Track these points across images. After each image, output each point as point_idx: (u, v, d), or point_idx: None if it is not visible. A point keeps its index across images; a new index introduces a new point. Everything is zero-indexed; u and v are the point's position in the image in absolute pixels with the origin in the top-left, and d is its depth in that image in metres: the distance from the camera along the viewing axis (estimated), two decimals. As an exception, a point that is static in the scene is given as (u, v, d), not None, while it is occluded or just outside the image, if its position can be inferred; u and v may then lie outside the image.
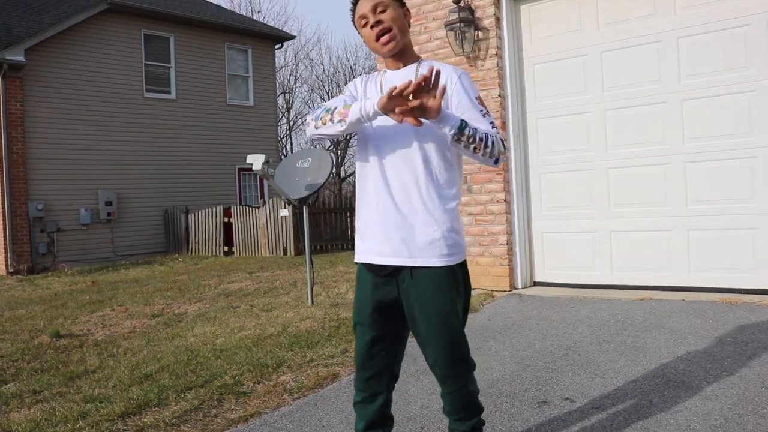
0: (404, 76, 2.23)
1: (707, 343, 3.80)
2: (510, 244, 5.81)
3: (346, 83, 11.98)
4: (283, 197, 9.73)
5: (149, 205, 15.60)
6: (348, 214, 14.40)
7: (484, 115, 2.17)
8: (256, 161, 6.27)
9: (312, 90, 31.16)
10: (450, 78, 2.20)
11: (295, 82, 31.28)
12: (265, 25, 21.04)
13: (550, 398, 3.14)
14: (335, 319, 5.31)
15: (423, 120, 2.02)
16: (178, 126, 16.19)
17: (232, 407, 3.42)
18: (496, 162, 2.16)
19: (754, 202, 4.94)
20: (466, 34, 5.79)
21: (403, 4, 2.30)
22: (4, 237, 13.32)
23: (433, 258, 2.16)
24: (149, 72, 15.80)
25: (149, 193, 15.58)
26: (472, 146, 2.08)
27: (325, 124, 2.23)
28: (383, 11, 2.20)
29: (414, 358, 3.60)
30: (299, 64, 34.62)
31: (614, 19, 5.52)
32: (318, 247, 13.45)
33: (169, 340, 5.28)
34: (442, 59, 6.07)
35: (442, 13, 6.04)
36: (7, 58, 12.96)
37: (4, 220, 13.29)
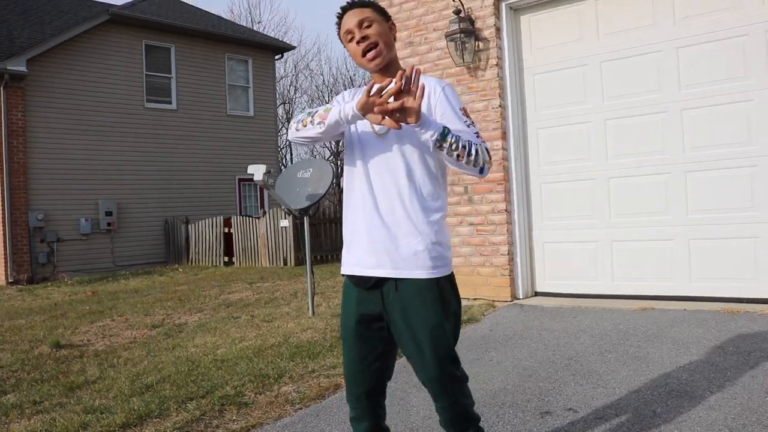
0: None
1: (710, 353, 3.79)
2: (511, 255, 5.81)
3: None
4: (283, 207, 9.72)
5: (149, 215, 15.60)
6: (348, 224, 14.35)
7: (468, 126, 2.15)
8: (257, 171, 6.28)
9: (312, 100, 31.24)
10: (434, 90, 2.19)
11: (295, 93, 31.37)
12: (266, 35, 21.13)
13: (552, 408, 3.13)
14: (336, 330, 5.30)
15: (406, 127, 2.02)
16: (179, 136, 16.22)
17: (234, 418, 3.41)
18: (481, 171, 2.13)
19: (754, 210, 4.94)
20: (466, 45, 5.82)
21: (389, 18, 2.30)
22: (5, 247, 13.31)
23: (417, 270, 2.13)
24: (150, 82, 15.85)
25: (149, 203, 15.59)
26: (455, 153, 2.05)
27: (305, 126, 2.24)
28: (369, 26, 2.20)
29: (416, 368, 3.58)
30: (299, 75, 34.77)
31: (614, 29, 5.54)
32: (318, 257, 13.44)
33: (170, 350, 5.27)
34: (443, 69, 6.09)
35: (442, 24, 6.06)
36: (9, 68, 13.01)
37: (4, 229, 13.29)
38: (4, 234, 13.29)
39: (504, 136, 5.85)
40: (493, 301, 5.76)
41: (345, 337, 2.28)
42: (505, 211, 5.80)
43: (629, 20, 5.46)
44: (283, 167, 23.82)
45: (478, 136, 2.15)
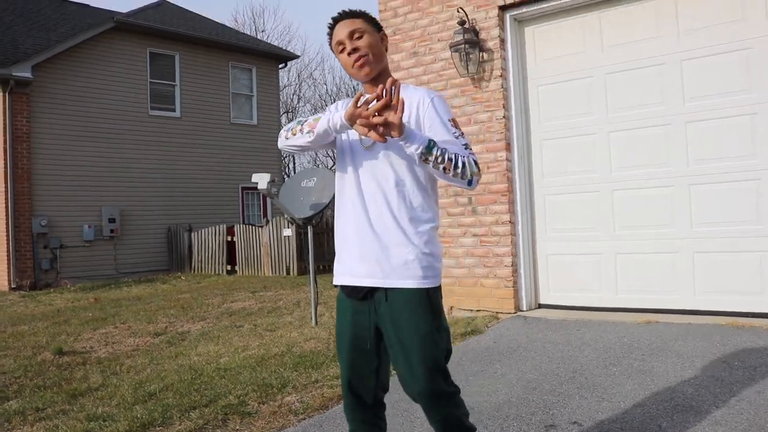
0: None
1: (715, 367, 3.78)
2: (515, 266, 5.80)
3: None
4: (287, 216, 9.73)
5: (152, 222, 15.62)
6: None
7: (457, 137, 2.15)
8: (261, 180, 6.30)
9: (315, 109, 31.32)
10: (422, 100, 2.19)
11: (298, 102, 31.49)
12: (269, 44, 21.22)
13: (557, 422, 3.12)
14: (339, 339, 5.28)
15: (391, 139, 2.03)
16: (182, 144, 16.26)
17: (237, 427, 3.40)
18: (470, 183, 2.12)
19: (760, 224, 4.94)
20: (470, 56, 5.83)
21: (380, 29, 2.31)
22: (8, 253, 13.32)
23: (407, 279, 2.13)
24: (154, 90, 15.90)
25: (152, 210, 15.60)
26: (442, 166, 2.05)
27: (295, 135, 2.25)
28: (360, 37, 2.21)
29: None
30: (302, 84, 34.86)
31: (618, 42, 5.55)
32: (321, 266, 13.43)
33: (173, 358, 5.26)
34: (447, 80, 6.11)
35: (446, 35, 6.08)
36: (14, 74, 13.05)
37: (7, 235, 13.30)
38: (8, 240, 13.30)
39: (508, 147, 5.85)
40: (496, 312, 5.75)
41: (341, 349, 2.28)
42: (509, 222, 5.80)
43: (633, 32, 5.47)
44: (286, 176, 23.84)
45: (466, 148, 2.14)
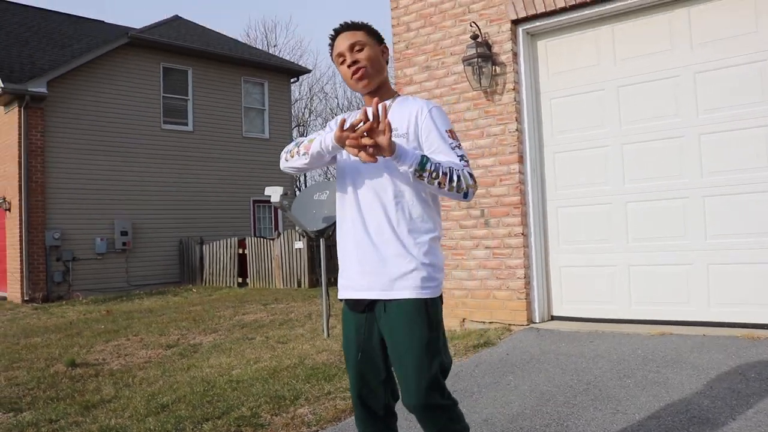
0: None
1: (731, 379, 3.74)
2: (527, 278, 5.78)
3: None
4: (298, 229, 9.75)
5: (164, 235, 15.71)
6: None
7: (453, 148, 2.15)
8: (274, 193, 6.33)
9: (326, 123, 31.44)
10: (420, 111, 2.20)
11: (309, 116, 31.65)
12: (281, 59, 21.37)
13: (572, 434, 3.10)
14: (351, 352, 5.28)
15: (382, 158, 2.03)
16: (195, 158, 16.37)
17: (250, 439, 3.40)
18: (465, 196, 2.12)
19: (775, 236, 4.90)
20: (483, 69, 5.85)
21: (382, 41, 2.32)
22: (21, 265, 13.44)
23: (406, 291, 2.12)
24: (167, 104, 16.05)
25: (164, 223, 15.69)
26: (436, 182, 2.05)
27: (293, 157, 2.29)
28: (360, 50, 2.23)
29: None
30: (314, 98, 35.02)
31: (631, 55, 5.56)
32: (333, 279, 13.38)
33: (185, 370, 5.27)
34: (460, 93, 6.13)
35: (459, 49, 6.11)
36: (29, 89, 13.23)
37: (21, 248, 13.43)
38: (21, 252, 13.42)
39: (521, 160, 5.85)
40: (509, 324, 5.73)
41: (348, 362, 2.29)
42: (522, 234, 5.79)
43: (646, 45, 5.48)
44: (298, 190, 23.92)
45: (462, 159, 2.14)
